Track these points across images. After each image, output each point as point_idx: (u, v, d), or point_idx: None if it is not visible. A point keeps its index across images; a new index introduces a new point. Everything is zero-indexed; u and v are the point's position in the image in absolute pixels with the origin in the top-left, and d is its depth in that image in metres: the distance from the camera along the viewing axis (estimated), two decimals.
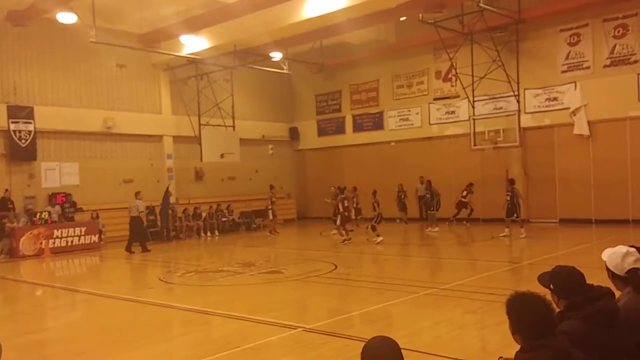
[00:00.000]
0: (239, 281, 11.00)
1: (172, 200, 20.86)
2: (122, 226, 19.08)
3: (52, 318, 9.18)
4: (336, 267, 11.98)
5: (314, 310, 8.65)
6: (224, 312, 8.06)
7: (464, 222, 18.80)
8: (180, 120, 21.79)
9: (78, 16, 15.94)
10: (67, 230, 17.11)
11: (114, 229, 18.94)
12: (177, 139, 21.90)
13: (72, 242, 17.12)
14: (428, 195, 19.17)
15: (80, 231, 17.38)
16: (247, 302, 9.02)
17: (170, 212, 19.69)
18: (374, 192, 17.08)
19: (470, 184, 19.01)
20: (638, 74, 16.84)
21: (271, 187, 19.89)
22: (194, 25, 17.68)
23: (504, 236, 15.62)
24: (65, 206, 18.22)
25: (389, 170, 22.11)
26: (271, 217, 19.54)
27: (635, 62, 17.01)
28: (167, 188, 19.83)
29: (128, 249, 16.43)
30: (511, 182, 16.38)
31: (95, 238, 17.69)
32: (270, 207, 19.44)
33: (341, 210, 16.41)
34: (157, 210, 19.67)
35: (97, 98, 19.85)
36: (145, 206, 17.99)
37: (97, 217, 18.28)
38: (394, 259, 13.96)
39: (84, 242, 17.34)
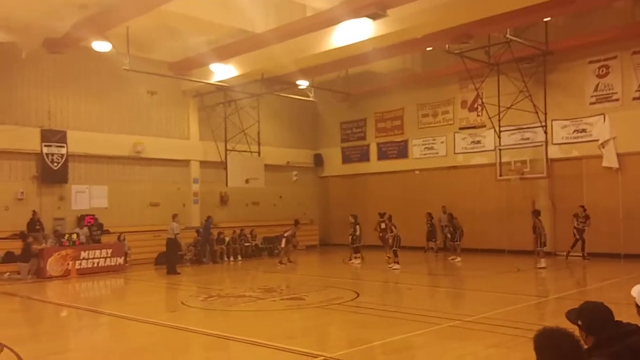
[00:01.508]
0: (260, 307, 10.98)
1: (196, 224, 21.17)
2: (147, 249, 19.44)
3: (75, 339, 9.28)
4: (358, 295, 11.89)
5: (335, 339, 8.56)
6: (244, 337, 8.04)
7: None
8: (207, 145, 22.16)
9: (112, 45, 16.50)
10: (93, 252, 17.36)
11: (139, 252, 19.21)
12: (203, 163, 22.25)
13: (98, 263, 17.34)
14: (450, 227, 19.23)
15: (107, 253, 17.61)
16: (268, 328, 9.00)
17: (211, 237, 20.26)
18: (390, 217, 17.32)
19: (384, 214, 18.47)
20: None
21: (296, 222, 19.92)
22: (223, 54, 18.12)
23: (540, 267, 15.55)
24: (92, 228, 18.54)
25: (413, 199, 21.99)
26: (283, 245, 19.37)
27: None
28: (209, 217, 20.45)
29: (170, 271, 16.72)
30: (535, 213, 16.33)
31: (120, 260, 17.90)
32: (292, 236, 19.47)
33: (394, 233, 16.97)
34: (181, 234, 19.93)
35: (127, 123, 20.35)
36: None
37: (124, 239, 18.55)
38: (417, 288, 13.78)
39: (109, 264, 17.54)
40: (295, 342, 7.65)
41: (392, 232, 17.06)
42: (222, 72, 19.28)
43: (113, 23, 15.44)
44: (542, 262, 15.56)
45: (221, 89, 20.82)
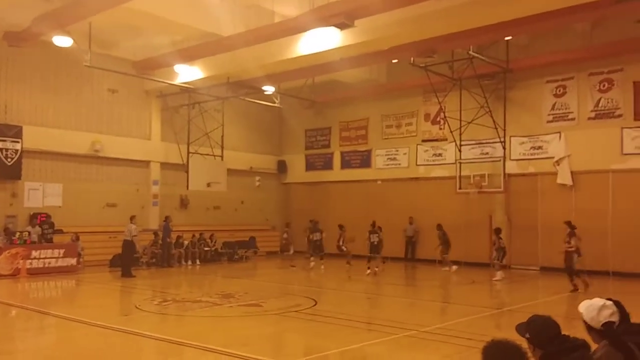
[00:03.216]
0: (216, 313, 10.83)
1: (155, 227, 20.78)
2: (102, 250, 18.95)
3: (20, 341, 8.93)
4: (316, 303, 11.87)
5: (291, 347, 8.52)
6: (198, 343, 7.91)
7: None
8: (168, 147, 21.80)
9: (74, 40, 16.08)
10: (45, 251, 16.81)
11: (94, 253, 18.72)
12: (164, 165, 21.87)
13: (49, 263, 16.80)
14: (413, 237, 19.50)
15: (59, 253, 17.08)
16: (223, 334, 8.87)
17: (168, 240, 19.78)
18: (380, 227, 18.07)
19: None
20: (622, 128, 17.24)
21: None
22: (189, 55, 17.90)
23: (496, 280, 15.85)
24: (44, 227, 17.95)
25: (375, 209, 22.14)
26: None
27: (620, 116, 17.44)
28: (167, 217, 20.05)
29: (125, 274, 16.34)
30: (496, 231, 16.76)
31: (73, 261, 17.38)
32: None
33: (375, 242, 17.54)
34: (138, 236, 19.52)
35: (86, 121, 19.83)
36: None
37: (77, 239, 18.02)
38: (376, 298, 13.86)
39: (61, 265, 17.02)
40: (251, 349, 7.57)
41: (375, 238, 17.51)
42: (187, 73, 19.03)
43: (76, 18, 15.04)
44: (498, 275, 15.90)
45: (185, 90, 20.55)
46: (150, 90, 21.41)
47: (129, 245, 16.86)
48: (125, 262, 16.76)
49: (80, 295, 14.70)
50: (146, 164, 21.55)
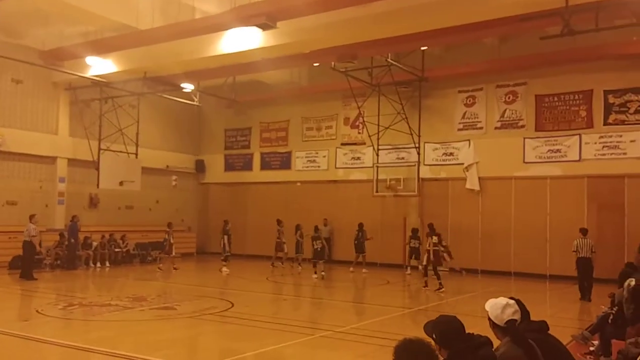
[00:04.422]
0: (127, 317, 10.38)
1: (61, 226, 19.61)
2: (0, 251, 17.58)
3: None
4: (233, 305, 11.71)
5: (205, 350, 8.34)
6: (107, 349, 7.54)
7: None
8: (77, 142, 20.62)
9: None
10: None
11: None
12: (72, 162, 20.65)
13: None
14: (328, 238, 19.69)
15: None
16: (134, 339, 8.53)
17: (72, 240, 18.60)
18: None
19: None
20: (524, 138, 18.47)
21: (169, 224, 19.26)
22: (102, 47, 17.05)
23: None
24: None
25: (293, 210, 22.22)
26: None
27: (522, 126, 18.68)
28: (74, 216, 18.88)
29: (25, 276, 15.26)
30: (414, 231, 17.61)
31: None
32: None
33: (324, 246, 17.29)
34: (42, 236, 18.31)
35: None
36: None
37: None
38: (292, 299, 13.89)
39: None
40: (163, 354, 7.33)
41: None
42: (99, 66, 18.11)
43: None
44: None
45: (97, 84, 19.54)
46: (59, 82, 20.17)
47: (28, 246, 15.72)
48: (25, 264, 15.66)
49: None
50: (52, 159, 20.26)
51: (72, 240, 18.60)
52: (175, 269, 18.55)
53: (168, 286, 15.73)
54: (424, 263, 15.21)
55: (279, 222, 19.78)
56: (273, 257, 19.83)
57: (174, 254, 19.05)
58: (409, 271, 17.79)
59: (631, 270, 7.35)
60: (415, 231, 17.67)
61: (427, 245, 14.97)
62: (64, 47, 17.92)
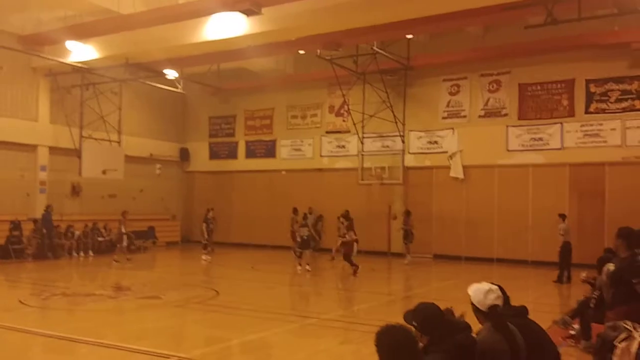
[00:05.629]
0: (111, 306, 10.34)
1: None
2: None
3: None
4: (218, 293, 11.72)
5: (191, 339, 8.35)
6: (92, 339, 7.50)
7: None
8: (59, 130, 20.29)
9: None
10: None
11: None
12: (53, 150, 20.33)
13: None
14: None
15: None
16: (119, 328, 8.50)
17: (44, 231, 18.31)
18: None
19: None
20: (507, 126, 18.62)
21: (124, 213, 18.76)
22: (83, 32, 16.74)
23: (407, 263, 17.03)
24: None
25: (278, 199, 22.21)
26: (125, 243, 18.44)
27: (505, 115, 18.83)
28: (48, 206, 18.61)
29: None
30: (407, 213, 18.25)
31: None
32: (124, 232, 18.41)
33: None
34: (23, 226, 18.11)
35: None
36: (11, 221, 16.49)
37: None
38: (278, 287, 13.93)
39: None
40: (148, 342, 7.32)
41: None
42: (80, 52, 17.78)
43: None
44: (407, 259, 17.03)
45: (78, 70, 19.21)
46: (38, 68, 19.78)
47: None
48: None
49: None
50: (33, 148, 19.91)
51: (44, 231, 18.30)
52: (128, 259, 17.88)
53: (152, 275, 15.66)
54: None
55: (294, 210, 19.52)
56: (293, 247, 18.95)
57: (124, 244, 18.29)
58: (406, 261, 17.84)
59: (610, 255, 7.48)
60: (408, 213, 18.29)
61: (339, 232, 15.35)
62: (44, 31, 17.57)
